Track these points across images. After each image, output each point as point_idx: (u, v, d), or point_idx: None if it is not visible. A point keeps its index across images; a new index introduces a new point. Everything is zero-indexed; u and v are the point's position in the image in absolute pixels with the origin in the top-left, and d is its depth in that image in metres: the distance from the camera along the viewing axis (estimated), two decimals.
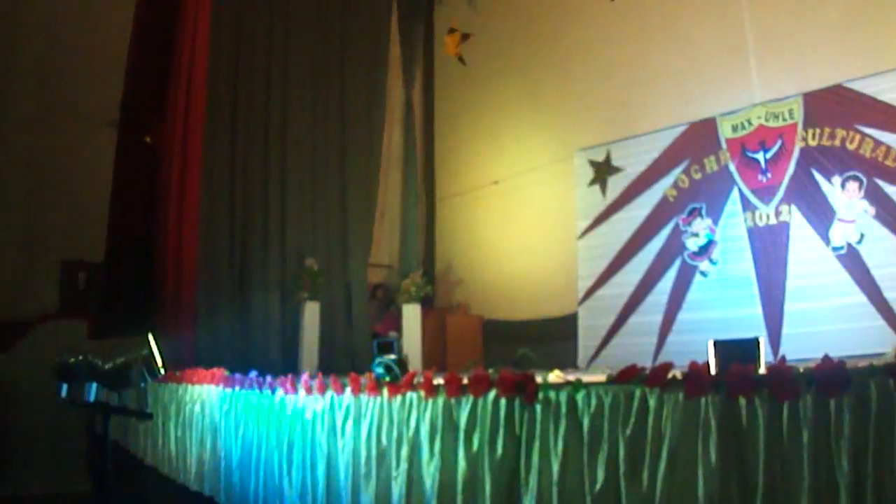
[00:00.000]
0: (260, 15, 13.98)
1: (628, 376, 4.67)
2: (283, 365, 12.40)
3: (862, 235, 10.36)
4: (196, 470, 8.69)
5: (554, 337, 13.27)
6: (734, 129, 11.69)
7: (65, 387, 6.08)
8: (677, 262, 12.25)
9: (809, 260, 10.85)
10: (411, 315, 13.88)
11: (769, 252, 11.23)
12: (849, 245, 10.47)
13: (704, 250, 11.93)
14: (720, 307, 11.60)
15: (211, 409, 8.54)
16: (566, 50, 14.37)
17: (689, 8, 12.65)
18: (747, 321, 11.14)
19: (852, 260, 10.43)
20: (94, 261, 12.58)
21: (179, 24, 12.67)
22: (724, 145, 11.80)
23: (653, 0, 12.73)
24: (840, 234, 10.56)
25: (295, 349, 12.95)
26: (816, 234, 10.80)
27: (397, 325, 14.06)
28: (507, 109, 15.32)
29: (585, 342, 13.11)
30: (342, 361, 13.44)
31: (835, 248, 10.60)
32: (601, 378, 4.95)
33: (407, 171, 16.80)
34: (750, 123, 11.53)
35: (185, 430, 9.01)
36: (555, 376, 5.71)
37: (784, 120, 11.17)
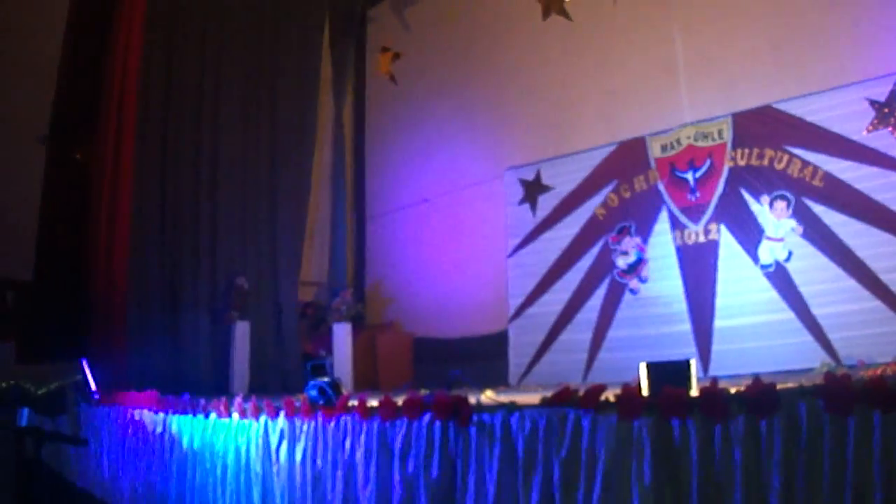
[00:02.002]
0: (192, 32, 13.81)
1: (562, 398, 4.68)
2: (214, 385, 12.30)
3: (790, 253, 10.49)
4: (130, 494, 8.58)
5: (485, 355, 13.24)
6: (664, 148, 11.78)
7: None
8: (607, 280, 12.26)
9: (738, 278, 10.94)
10: (341, 334, 13.80)
11: (698, 270, 11.30)
12: (777, 263, 10.60)
13: (634, 268, 11.99)
14: (650, 325, 11.62)
15: (144, 432, 8.45)
16: (498, 69, 14.40)
17: (620, 28, 12.73)
18: (677, 338, 11.22)
19: (780, 277, 10.55)
20: (22, 279, 12.37)
21: (111, 41, 12.55)
22: (653, 165, 11.88)
23: (585, 21, 12.72)
24: (768, 252, 10.68)
25: (225, 369, 12.79)
26: (745, 253, 10.90)
27: (327, 345, 13.97)
28: (439, 128, 15.30)
29: (516, 360, 13.05)
30: (273, 381, 13.35)
31: (763, 266, 10.72)
32: (534, 397, 4.97)
33: (337, 189, 16.77)
34: (679, 143, 11.63)
35: (119, 453, 8.90)
36: (486, 396, 5.74)
37: (713, 140, 11.27)
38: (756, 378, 4.15)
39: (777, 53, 11.04)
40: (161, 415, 8.22)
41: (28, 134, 12.61)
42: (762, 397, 3.97)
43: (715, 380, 4.44)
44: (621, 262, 12.09)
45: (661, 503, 4.13)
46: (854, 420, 3.69)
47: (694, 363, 4.63)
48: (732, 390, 4.13)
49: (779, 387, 4.00)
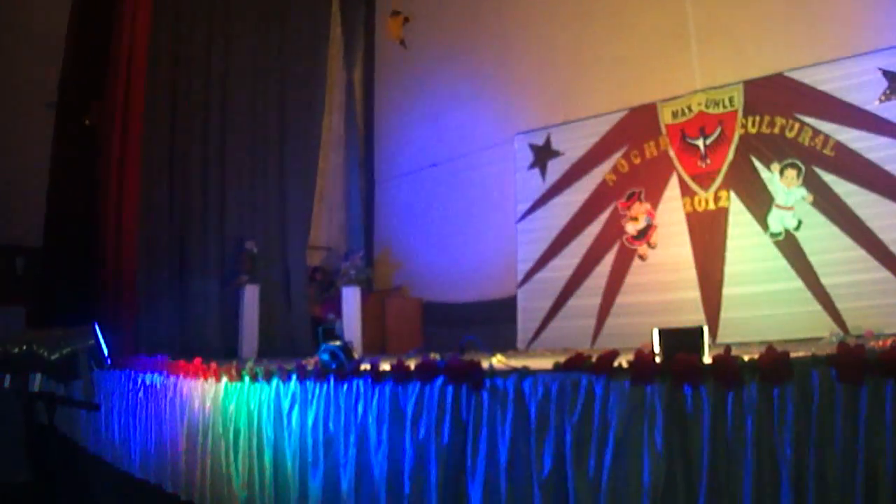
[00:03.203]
0: None
1: (575, 364, 4.70)
2: (224, 349, 12.37)
3: (799, 222, 10.50)
4: (141, 458, 8.62)
5: (493, 319, 13.27)
6: (674, 115, 11.77)
7: (7, 377, 6.01)
8: (616, 246, 12.29)
9: (747, 245, 10.96)
10: (351, 298, 13.79)
11: (707, 237, 11.31)
12: (786, 231, 10.61)
13: (643, 234, 12.00)
14: (659, 291, 11.65)
15: (155, 396, 8.48)
16: (508, 34, 14.34)
17: None
18: (685, 305, 11.25)
19: (790, 246, 10.57)
20: (32, 245, 12.39)
21: (119, 4, 12.51)
22: (663, 131, 11.87)
23: None
24: (778, 220, 10.69)
25: (235, 333, 12.86)
26: (754, 220, 10.92)
27: (336, 309, 13.99)
28: (448, 92, 15.24)
29: (525, 324, 13.11)
30: (282, 345, 13.41)
31: (772, 235, 10.73)
32: (544, 362, 4.98)
33: (347, 154, 16.76)
34: (690, 110, 11.61)
35: (129, 418, 8.94)
36: (497, 361, 5.74)
37: (724, 107, 11.26)
38: (769, 346, 4.16)
39: (789, 21, 10.97)
40: (172, 379, 8.25)
41: (37, 100, 12.60)
42: (775, 366, 3.98)
43: (728, 347, 4.45)
44: (630, 228, 12.11)
45: (673, 469, 4.15)
46: (866, 390, 3.70)
47: (706, 330, 4.65)
48: (745, 358, 4.14)
49: (791, 355, 4.02)
